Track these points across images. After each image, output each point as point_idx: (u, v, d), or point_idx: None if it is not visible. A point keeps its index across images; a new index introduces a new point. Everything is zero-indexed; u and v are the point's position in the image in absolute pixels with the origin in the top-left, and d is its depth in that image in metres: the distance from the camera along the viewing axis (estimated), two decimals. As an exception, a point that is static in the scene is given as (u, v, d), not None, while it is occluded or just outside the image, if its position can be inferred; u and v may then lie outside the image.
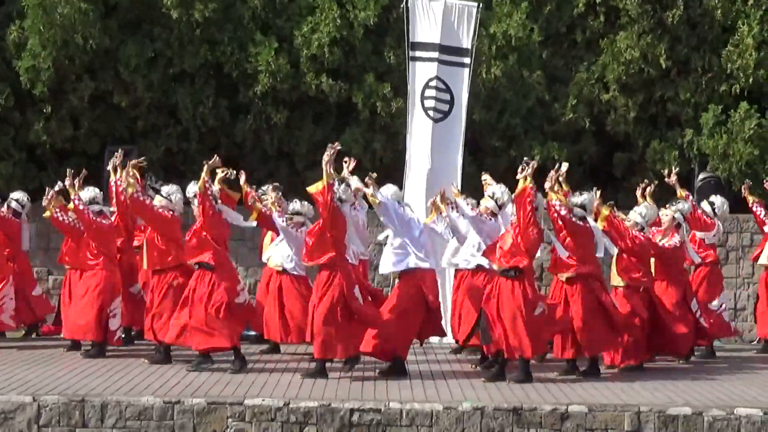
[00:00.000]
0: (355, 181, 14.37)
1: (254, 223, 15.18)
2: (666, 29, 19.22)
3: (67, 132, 19.01)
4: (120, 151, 15.71)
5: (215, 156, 14.45)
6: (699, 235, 16.06)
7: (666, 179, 16.18)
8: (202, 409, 12.07)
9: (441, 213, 14.63)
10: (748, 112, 18.75)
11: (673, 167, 15.92)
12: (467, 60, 17.29)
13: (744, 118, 18.71)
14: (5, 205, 16.79)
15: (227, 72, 19.23)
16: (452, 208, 14.65)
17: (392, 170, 17.79)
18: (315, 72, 19.00)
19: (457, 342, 15.38)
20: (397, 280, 14.38)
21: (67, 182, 15.21)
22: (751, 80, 18.93)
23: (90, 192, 15.45)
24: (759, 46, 18.90)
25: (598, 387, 13.23)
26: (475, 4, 17.38)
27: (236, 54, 19.07)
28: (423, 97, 17.19)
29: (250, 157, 19.53)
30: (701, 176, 19.08)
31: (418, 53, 17.23)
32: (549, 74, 19.66)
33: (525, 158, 13.75)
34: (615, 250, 14.24)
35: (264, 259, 15.59)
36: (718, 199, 16.66)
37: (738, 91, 19.08)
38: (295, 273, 14.93)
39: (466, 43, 17.29)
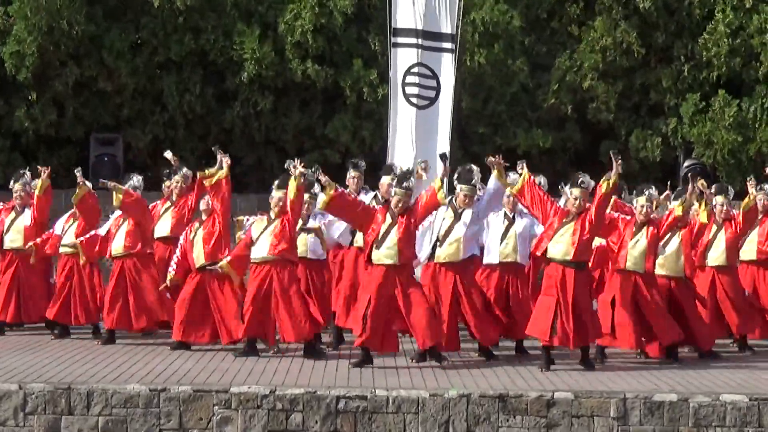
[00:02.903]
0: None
1: None
2: (641, 16, 19.20)
3: (51, 117, 18.96)
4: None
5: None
6: None
7: None
8: (188, 396, 12.06)
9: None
10: (726, 99, 18.77)
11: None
12: (451, 45, 17.23)
13: (723, 106, 18.74)
14: None
15: (212, 59, 19.22)
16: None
17: (380, 158, 17.80)
18: (300, 58, 19.01)
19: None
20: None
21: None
22: (724, 68, 18.94)
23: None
24: (736, 32, 18.90)
25: (585, 374, 13.24)
26: None
27: (221, 41, 19.06)
28: (404, 84, 17.10)
29: (239, 143, 19.53)
30: (687, 163, 19.14)
31: (399, 39, 17.13)
32: (532, 61, 19.67)
33: (613, 151, 13.59)
34: None
35: None
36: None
37: (714, 78, 19.11)
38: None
39: (450, 28, 17.23)
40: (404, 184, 13.63)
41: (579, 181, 13.55)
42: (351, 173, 15.29)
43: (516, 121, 19.54)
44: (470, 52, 18.96)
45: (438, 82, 17.06)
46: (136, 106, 19.31)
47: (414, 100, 17.04)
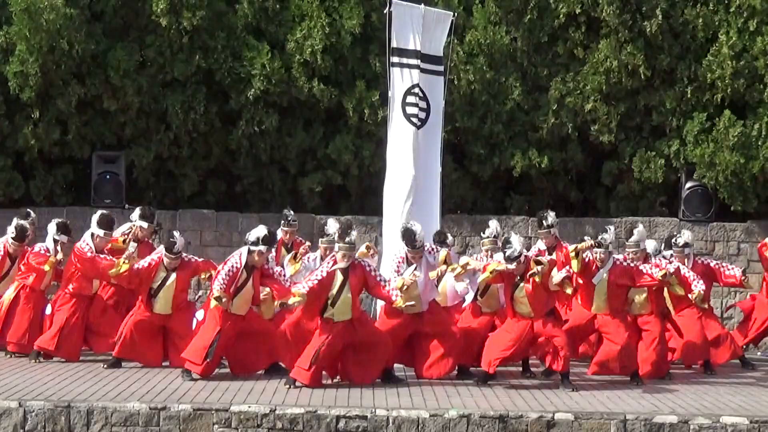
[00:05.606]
0: None
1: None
2: (646, 39, 19.22)
3: (55, 136, 18.95)
4: None
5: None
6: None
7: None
8: (188, 415, 12.07)
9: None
10: (731, 120, 18.77)
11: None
12: (441, 68, 17.34)
13: (728, 127, 18.74)
14: None
15: (218, 79, 19.24)
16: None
17: (379, 178, 17.79)
18: (307, 77, 19.06)
19: None
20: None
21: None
22: (729, 90, 18.94)
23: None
24: (740, 54, 18.91)
25: (585, 395, 13.25)
26: (450, 13, 17.46)
27: (229, 61, 19.09)
28: (405, 104, 17.12)
29: (243, 163, 19.52)
30: (688, 185, 19.13)
31: (397, 59, 17.18)
32: (531, 82, 19.66)
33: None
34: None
35: None
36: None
37: (719, 100, 19.11)
38: None
39: (442, 50, 17.36)
40: (347, 239, 13.73)
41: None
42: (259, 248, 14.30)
43: (514, 142, 19.52)
44: (457, 70, 18.96)
45: (428, 104, 17.15)
46: (140, 124, 19.32)
47: (414, 119, 17.09)
